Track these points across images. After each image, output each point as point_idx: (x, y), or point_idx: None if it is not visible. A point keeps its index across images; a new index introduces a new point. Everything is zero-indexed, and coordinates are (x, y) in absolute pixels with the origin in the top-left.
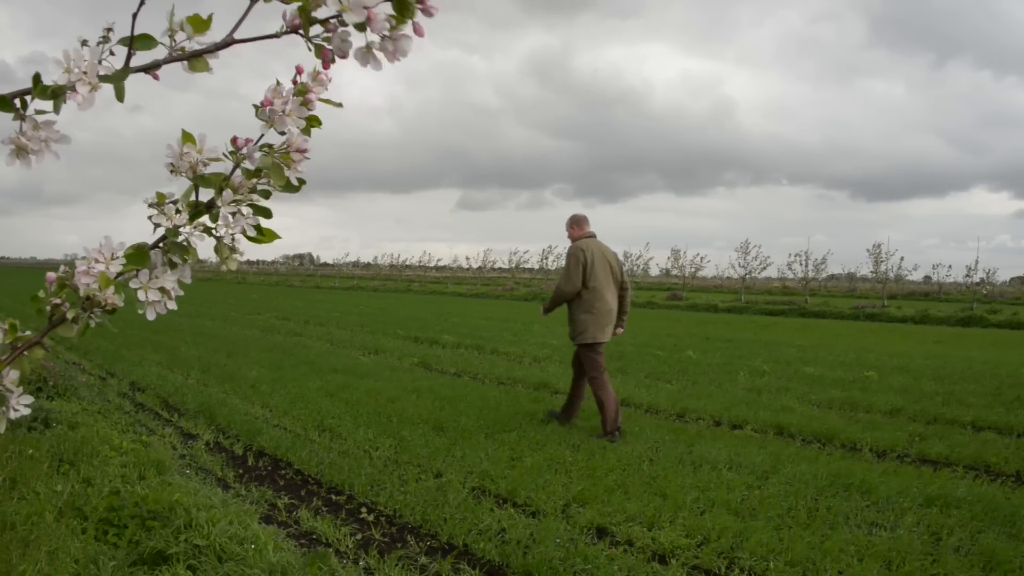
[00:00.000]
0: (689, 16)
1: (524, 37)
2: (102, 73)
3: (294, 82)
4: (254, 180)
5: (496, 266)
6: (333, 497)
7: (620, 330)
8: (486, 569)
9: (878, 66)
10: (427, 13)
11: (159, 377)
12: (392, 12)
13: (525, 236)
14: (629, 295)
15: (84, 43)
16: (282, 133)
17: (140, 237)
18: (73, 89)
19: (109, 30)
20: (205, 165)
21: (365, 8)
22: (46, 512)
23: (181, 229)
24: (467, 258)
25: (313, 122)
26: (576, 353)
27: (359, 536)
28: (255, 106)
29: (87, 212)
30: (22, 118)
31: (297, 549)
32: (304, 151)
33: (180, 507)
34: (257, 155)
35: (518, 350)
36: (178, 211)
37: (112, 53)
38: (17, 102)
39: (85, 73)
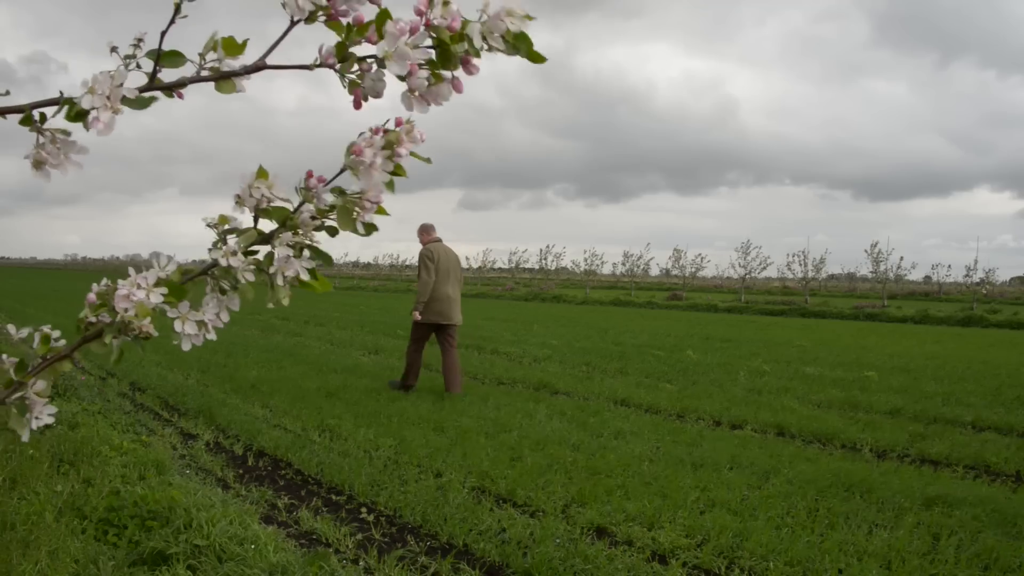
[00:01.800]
0: (692, 16)
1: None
2: (126, 95)
3: (383, 130)
4: (319, 220)
5: (496, 266)
6: (333, 497)
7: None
8: (486, 569)
9: (882, 66)
10: (469, 71)
11: (159, 377)
12: (434, 59)
13: (526, 236)
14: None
15: (114, 50)
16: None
17: (140, 236)
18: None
19: (140, 40)
20: (271, 201)
21: (408, 61)
22: (46, 512)
23: (234, 265)
24: (467, 258)
25: (398, 172)
26: (415, 327)
27: (359, 536)
28: (347, 148)
29: (88, 212)
30: (40, 132)
31: (297, 549)
32: (377, 203)
33: (180, 507)
34: (327, 196)
35: (518, 350)
36: (234, 253)
37: (139, 66)
38: (36, 115)
39: (108, 99)
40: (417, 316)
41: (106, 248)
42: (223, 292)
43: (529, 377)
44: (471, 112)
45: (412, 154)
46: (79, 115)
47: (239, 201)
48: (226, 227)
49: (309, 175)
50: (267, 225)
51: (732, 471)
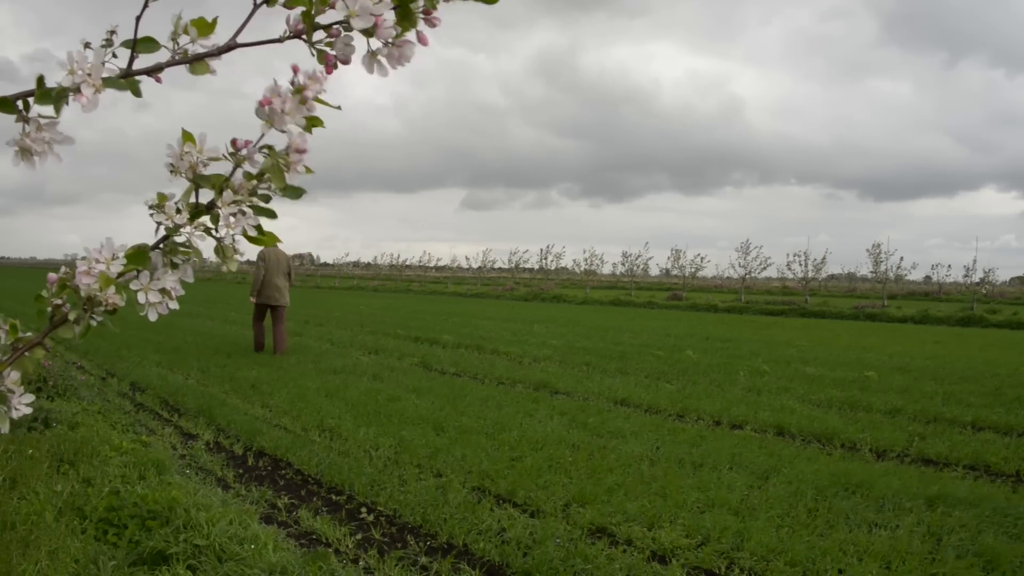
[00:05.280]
0: (697, 14)
1: (530, 36)
2: (105, 76)
3: (292, 83)
4: (254, 182)
5: (496, 266)
6: (333, 497)
7: (285, 295)
8: (486, 569)
9: (889, 65)
10: (431, 24)
11: (159, 377)
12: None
13: (529, 236)
14: (292, 278)
15: (87, 45)
16: (282, 132)
17: (142, 237)
18: (77, 91)
19: (112, 32)
20: (205, 165)
21: (372, 15)
22: (46, 512)
23: (182, 229)
24: (467, 258)
25: (314, 122)
26: (255, 306)
27: (359, 536)
28: (257, 104)
29: (88, 212)
30: (25, 120)
31: (297, 549)
32: (303, 151)
33: (180, 507)
34: (258, 156)
35: (518, 350)
36: (179, 211)
37: (115, 56)
38: (20, 104)
39: (89, 75)
40: (252, 300)
41: None
42: (175, 266)
43: (529, 377)
44: (475, 111)
45: (318, 100)
46: (59, 97)
47: (173, 170)
48: (167, 203)
49: (235, 141)
50: (206, 196)
51: (732, 471)
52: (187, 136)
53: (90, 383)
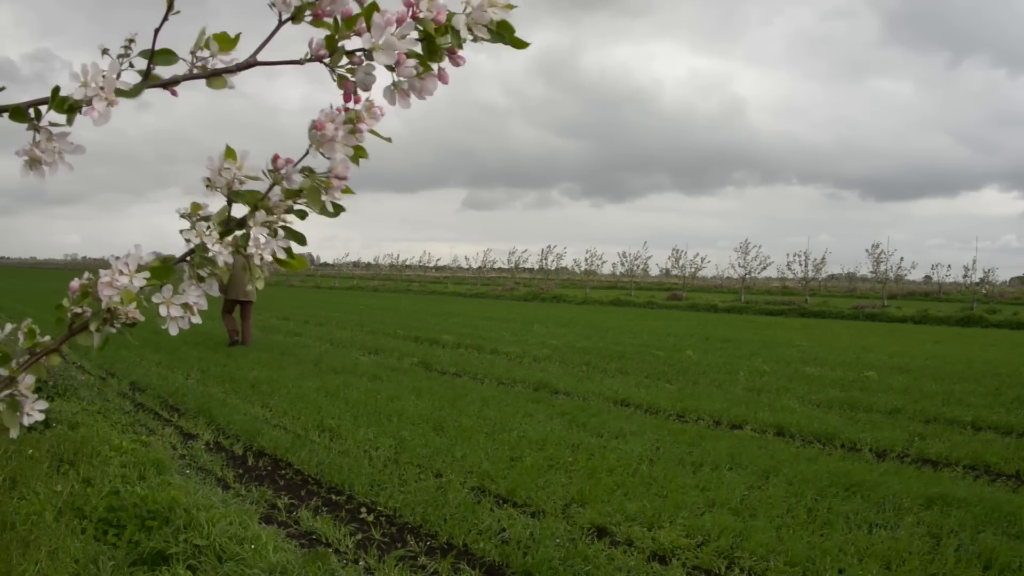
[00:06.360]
0: (699, 14)
1: (532, 36)
2: (120, 87)
3: (344, 109)
4: (290, 202)
5: (496, 266)
6: (333, 497)
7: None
8: (486, 569)
9: (892, 64)
10: (455, 63)
11: (159, 377)
12: (419, 52)
13: (529, 236)
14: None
15: (105, 52)
16: (327, 157)
17: (142, 237)
18: (89, 103)
19: (131, 41)
20: (242, 183)
21: (396, 51)
22: (46, 512)
23: (212, 247)
24: (467, 258)
25: (360, 153)
26: (224, 302)
27: (359, 536)
28: (310, 126)
29: (89, 212)
30: (36, 129)
31: (297, 549)
32: (344, 178)
33: (180, 507)
34: (297, 177)
35: (518, 350)
36: (209, 229)
37: (131, 65)
38: (31, 112)
39: (102, 89)
40: (220, 294)
41: (106, 248)
42: (201, 280)
43: (529, 377)
44: (476, 111)
45: (372, 132)
46: (71, 109)
47: (209, 184)
48: (199, 213)
49: (276, 158)
50: (239, 210)
51: (732, 471)
52: (229, 152)
53: (90, 383)
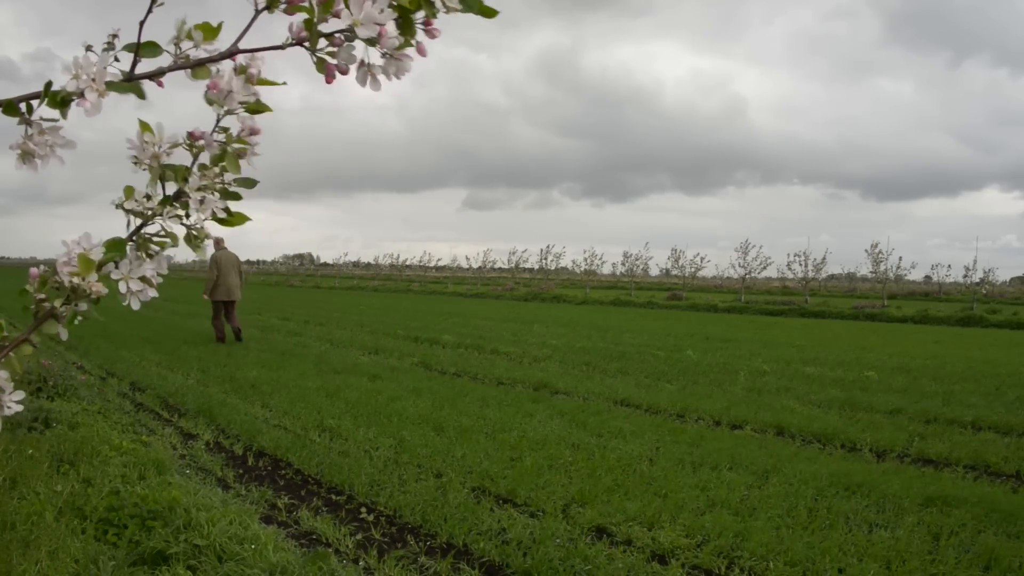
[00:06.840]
0: (700, 14)
1: (533, 36)
2: (108, 80)
3: (235, 67)
4: (218, 167)
5: (496, 266)
6: (333, 497)
7: (237, 293)
8: (486, 569)
9: (893, 64)
10: (430, 35)
11: (159, 377)
12: (396, 28)
13: (530, 236)
14: (244, 278)
15: (89, 48)
16: (232, 112)
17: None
18: (81, 95)
19: (114, 36)
20: (168, 154)
21: (377, 24)
22: (46, 512)
23: (155, 218)
24: (467, 258)
25: (259, 107)
26: (213, 304)
27: (359, 536)
28: (206, 90)
29: (90, 212)
30: (28, 123)
31: (297, 549)
32: (257, 131)
33: (180, 507)
34: (216, 143)
35: (518, 350)
36: (148, 196)
37: (117, 59)
38: (23, 106)
39: (93, 80)
40: (206, 296)
41: None
42: (150, 257)
43: (529, 377)
44: (477, 111)
45: (262, 80)
46: (63, 101)
47: (137, 162)
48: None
49: (191, 133)
50: (172, 188)
51: (732, 471)
52: (145, 127)
53: (90, 383)
